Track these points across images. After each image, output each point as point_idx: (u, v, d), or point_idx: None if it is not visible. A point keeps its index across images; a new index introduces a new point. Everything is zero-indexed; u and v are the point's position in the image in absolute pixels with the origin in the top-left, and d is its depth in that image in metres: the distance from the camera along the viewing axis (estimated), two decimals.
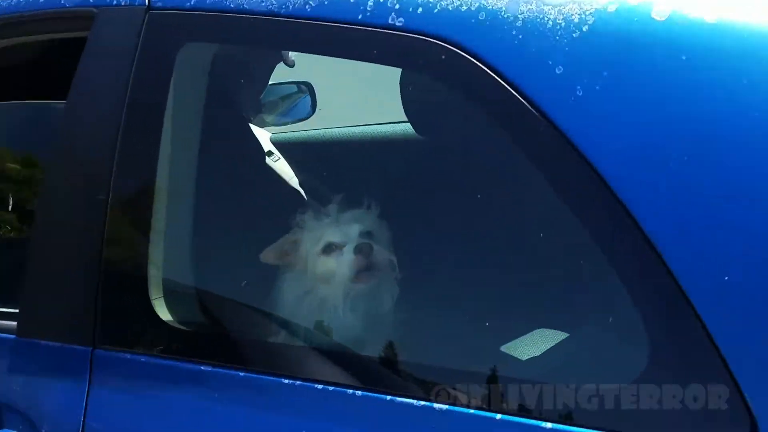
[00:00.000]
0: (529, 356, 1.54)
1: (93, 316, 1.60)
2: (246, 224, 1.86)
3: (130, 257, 1.66)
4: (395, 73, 1.76)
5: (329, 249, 1.76)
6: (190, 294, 1.72)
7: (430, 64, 1.45)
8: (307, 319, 1.73)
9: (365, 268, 1.73)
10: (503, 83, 1.35)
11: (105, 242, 1.62)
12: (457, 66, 1.40)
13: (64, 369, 1.61)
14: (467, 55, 1.38)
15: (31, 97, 2.33)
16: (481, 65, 1.37)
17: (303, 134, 3.05)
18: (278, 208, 1.93)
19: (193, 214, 1.72)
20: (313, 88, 3.04)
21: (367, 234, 1.75)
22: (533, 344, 1.57)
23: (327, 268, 1.76)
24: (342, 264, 1.74)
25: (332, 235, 1.77)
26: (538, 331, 1.59)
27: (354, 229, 1.76)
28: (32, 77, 2.43)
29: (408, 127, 2.25)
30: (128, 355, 1.57)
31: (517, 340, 1.58)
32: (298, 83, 3.05)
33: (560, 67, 1.32)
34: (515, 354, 1.55)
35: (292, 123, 3.08)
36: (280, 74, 2.78)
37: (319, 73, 2.91)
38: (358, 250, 1.73)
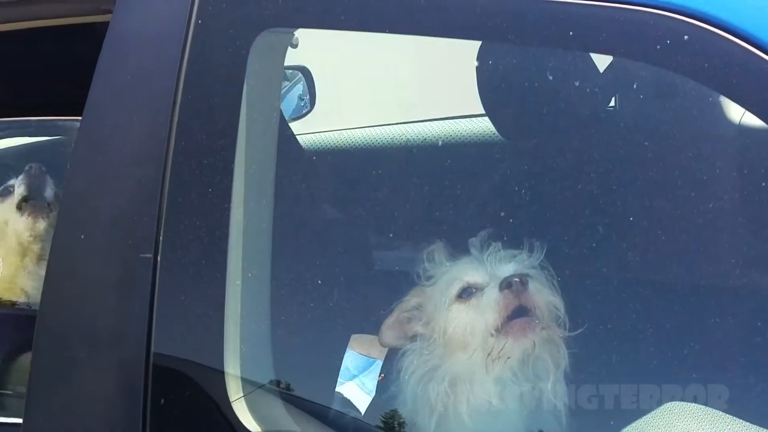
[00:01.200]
0: None
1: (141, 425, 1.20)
2: (361, 281, 1.45)
3: (192, 340, 1.23)
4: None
5: (465, 293, 1.30)
6: (285, 391, 1.29)
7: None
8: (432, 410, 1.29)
9: (516, 314, 1.25)
10: None
11: (154, 317, 1.20)
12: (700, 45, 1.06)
13: None
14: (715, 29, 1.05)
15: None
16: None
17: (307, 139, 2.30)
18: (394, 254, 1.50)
19: (279, 273, 1.31)
20: (311, 75, 2.33)
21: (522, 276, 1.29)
22: None
23: (460, 322, 1.28)
24: (482, 310, 1.27)
25: (471, 275, 1.30)
26: None
27: (504, 269, 1.30)
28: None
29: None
30: None
31: None
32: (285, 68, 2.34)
33: None
34: None
35: None
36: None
37: (324, 58, 2.24)
38: (505, 284, 1.26)
